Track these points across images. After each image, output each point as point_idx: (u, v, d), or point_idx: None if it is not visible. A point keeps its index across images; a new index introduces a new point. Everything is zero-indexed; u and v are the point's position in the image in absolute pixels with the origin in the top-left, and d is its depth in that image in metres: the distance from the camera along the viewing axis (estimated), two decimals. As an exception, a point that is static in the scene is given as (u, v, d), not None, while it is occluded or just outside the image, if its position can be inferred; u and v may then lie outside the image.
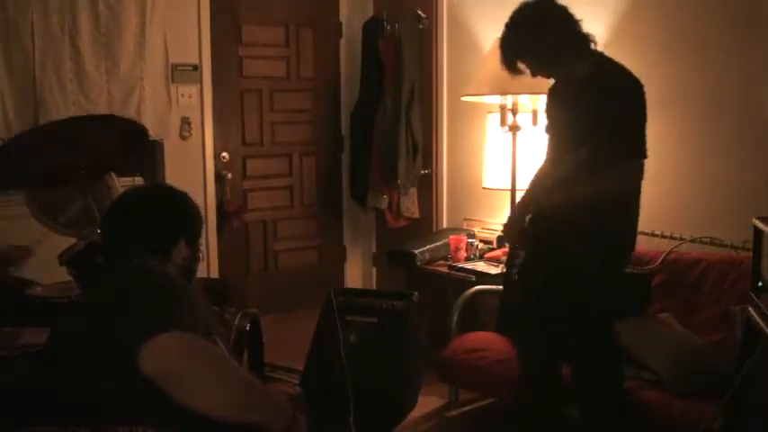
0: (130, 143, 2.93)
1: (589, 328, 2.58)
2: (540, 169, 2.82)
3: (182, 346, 1.54)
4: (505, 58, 2.61)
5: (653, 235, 3.34)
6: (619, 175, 2.47)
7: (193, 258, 1.95)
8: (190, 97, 4.42)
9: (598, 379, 2.61)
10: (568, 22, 2.54)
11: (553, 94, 2.71)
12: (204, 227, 4.40)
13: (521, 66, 2.61)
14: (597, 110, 2.47)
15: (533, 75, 2.66)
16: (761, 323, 2.15)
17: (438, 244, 4.07)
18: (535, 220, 2.70)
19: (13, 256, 2.93)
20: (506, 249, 3.77)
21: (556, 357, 2.73)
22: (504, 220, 2.94)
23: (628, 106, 2.49)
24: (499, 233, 2.88)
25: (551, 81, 2.71)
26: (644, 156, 2.51)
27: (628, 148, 2.48)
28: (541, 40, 2.53)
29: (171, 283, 1.77)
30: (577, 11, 3.67)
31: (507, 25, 2.59)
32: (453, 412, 3.48)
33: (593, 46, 2.57)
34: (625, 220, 2.59)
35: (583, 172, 2.49)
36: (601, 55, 2.60)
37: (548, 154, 2.77)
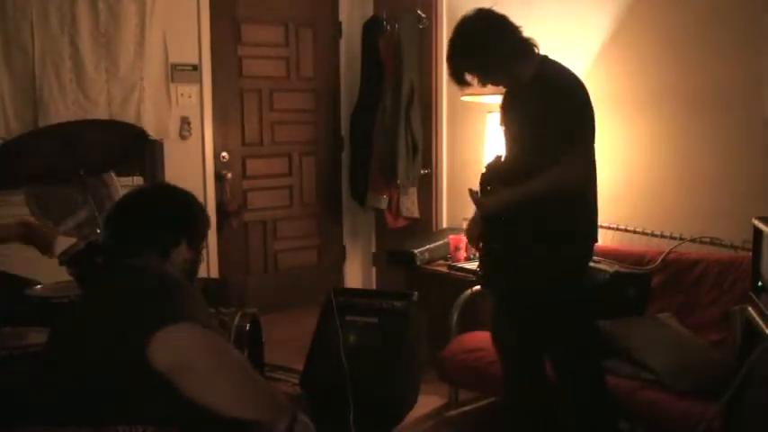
0: (130, 143, 2.93)
1: (560, 324, 2.63)
2: (491, 167, 2.82)
3: (195, 335, 1.55)
4: (453, 73, 2.67)
5: (653, 235, 3.35)
6: (565, 170, 2.51)
7: (195, 261, 1.93)
8: (190, 97, 4.41)
9: (575, 374, 2.67)
10: (509, 30, 2.61)
11: (506, 98, 2.79)
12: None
13: (468, 77, 2.67)
14: (543, 111, 2.54)
15: (482, 85, 2.73)
16: (761, 323, 2.15)
17: (438, 244, 4.08)
18: (494, 226, 2.72)
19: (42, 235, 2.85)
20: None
21: (536, 356, 2.75)
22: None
23: (571, 105, 2.54)
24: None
25: None
26: (587, 156, 2.57)
27: (573, 145, 2.53)
28: (485, 51, 2.59)
29: (175, 280, 1.77)
30: (578, 10, 3.69)
31: (451, 40, 2.66)
32: (453, 412, 3.48)
33: (535, 49, 2.63)
34: (582, 213, 2.64)
35: (534, 171, 2.54)
36: (544, 58, 2.66)
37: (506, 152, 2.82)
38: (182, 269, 1.88)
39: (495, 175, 2.73)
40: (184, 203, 1.95)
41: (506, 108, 2.78)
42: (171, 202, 1.94)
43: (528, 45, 2.63)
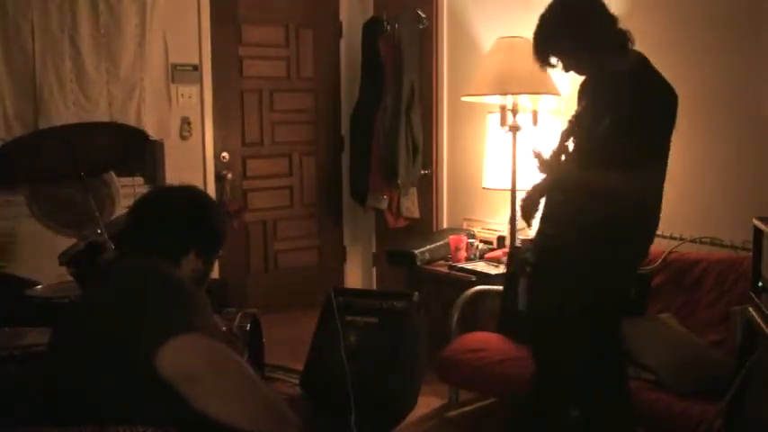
0: (131, 144, 2.94)
1: (596, 330, 2.56)
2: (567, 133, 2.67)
3: (202, 347, 1.53)
4: (539, 52, 2.51)
5: (653, 235, 3.34)
6: (635, 180, 2.42)
7: (204, 273, 1.90)
8: (190, 97, 4.42)
9: (600, 380, 2.61)
10: (606, 19, 2.47)
11: (585, 88, 2.64)
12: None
13: (553, 60, 2.52)
14: (628, 111, 2.39)
15: (566, 70, 2.57)
16: (761, 323, 2.15)
17: (438, 244, 4.07)
18: (548, 220, 2.62)
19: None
20: (506, 250, 3.77)
21: (564, 359, 2.70)
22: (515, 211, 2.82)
23: (666, 115, 2.41)
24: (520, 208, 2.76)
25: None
26: (663, 165, 2.47)
27: (651, 155, 2.43)
28: (579, 37, 2.45)
29: (187, 287, 1.74)
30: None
31: (543, 18, 2.49)
32: (453, 412, 3.48)
33: (629, 44, 2.49)
34: (641, 232, 2.54)
35: (603, 175, 2.44)
36: (639, 55, 2.51)
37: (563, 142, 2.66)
38: (190, 277, 1.85)
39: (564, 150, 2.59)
40: (201, 215, 1.90)
41: (585, 98, 2.60)
42: (187, 209, 1.90)
43: (624, 37, 2.47)
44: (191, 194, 1.96)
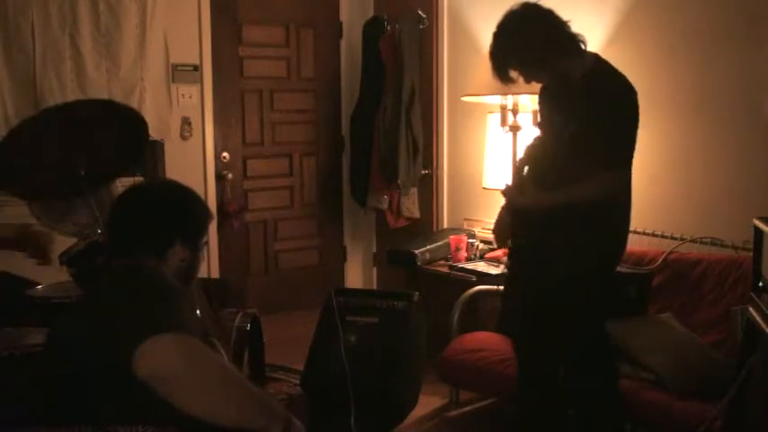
0: (131, 143, 2.92)
1: (582, 329, 2.60)
2: (523, 162, 2.78)
3: (177, 347, 1.51)
4: (497, 69, 2.57)
5: (653, 235, 3.34)
6: (609, 181, 2.47)
7: (192, 261, 1.86)
8: (190, 97, 4.42)
9: (592, 378, 2.64)
10: (557, 26, 2.51)
11: (546, 93, 2.69)
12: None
13: (513, 74, 2.58)
14: (591, 113, 2.46)
15: (527, 82, 2.63)
16: (761, 323, 2.15)
17: (438, 244, 4.07)
18: (524, 223, 2.68)
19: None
20: (506, 250, 3.77)
21: (553, 358, 2.73)
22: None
23: (623, 112, 2.47)
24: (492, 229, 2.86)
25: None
26: (630, 165, 2.52)
27: (620, 154, 2.48)
28: (533, 48, 2.50)
29: (163, 285, 1.74)
30: (578, 9, 3.68)
31: (495, 35, 2.56)
32: (453, 412, 3.48)
33: (582, 46, 2.54)
34: (616, 225, 2.60)
35: (574, 177, 2.49)
36: (595, 56, 2.58)
37: (541, 146, 2.74)
38: (177, 270, 1.82)
39: (532, 162, 2.66)
40: (177, 200, 1.87)
41: (547, 103, 2.67)
42: (162, 199, 1.87)
43: (576, 42, 2.51)
44: (164, 185, 1.96)
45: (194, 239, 1.86)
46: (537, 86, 3.21)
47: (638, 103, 2.49)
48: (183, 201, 1.88)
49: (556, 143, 2.60)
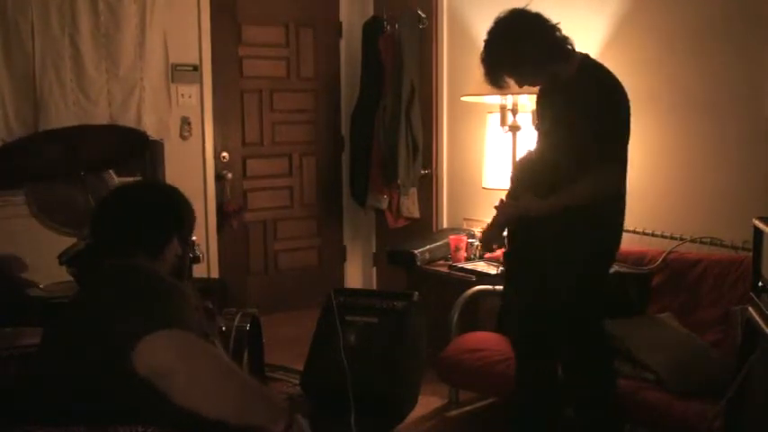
0: (131, 144, 2.94)
1: (580, 328, 2.61)
2: (523, 164, 2.80)
3: (175, 343, 1.52)
4: (490, 75, 2.60)
5: (653, 235, 3.34)
6: (604, 175, 2.49)
7: (185, 255, 1.92)
8: (190, 97, 4.42)
9: (590, 378, 2.64)
10: (544, 30, 2.53)
11: (542, 94, 2.72)
12: (204, 227, 4.43)
13: (504, 79, 2.61)
14: (583, 112, 2.48)
15: (520, 86, 2.67)
16: (761, 323, 2.15)
17: (438, 244, 4.08)
18: (521, 225, 2.69)
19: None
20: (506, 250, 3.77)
21: (551, 357, 2.74)
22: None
23: (615, 109, 2.50)
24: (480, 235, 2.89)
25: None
26: (624, 160, 2.55)
27: (611, 148, 2.50)
28: (522, 52, 2.52)
29: (161, 283, 1.74)
30: (578, 10, 3.68)
31: (486, 42, 2.59)
32: (453, 412, 3.47)
33: (570, 48, 2.57)
34: (612, 222, 2.61)
35: (570, 179, 2.50)
36: (584, 57, 2.60)
37: (536, 150, 2.77)
38: (172, 265, 1.86)
39: (527, 172, 2.69)
40: (169, 199, 1.92)
41: (542, 105, 2.70)
42: (156, 199, 1.91)
43: (564, 45, 2.54)
44: (149, 186, 1.99)
45: (187, 234, 1.93)
46: (536, 87, 3.21)
47: (628, 100, 2.52)
48: (176, 199, 1.93)
49: (550, 143, 2.63)
